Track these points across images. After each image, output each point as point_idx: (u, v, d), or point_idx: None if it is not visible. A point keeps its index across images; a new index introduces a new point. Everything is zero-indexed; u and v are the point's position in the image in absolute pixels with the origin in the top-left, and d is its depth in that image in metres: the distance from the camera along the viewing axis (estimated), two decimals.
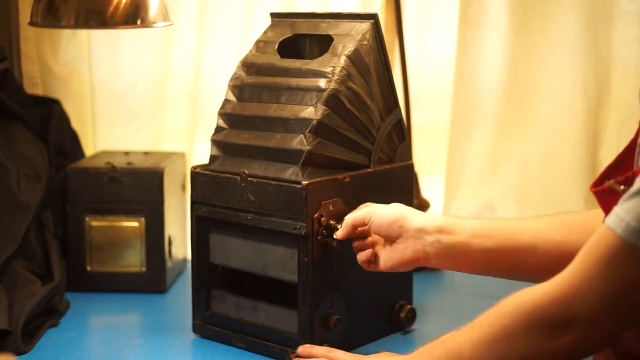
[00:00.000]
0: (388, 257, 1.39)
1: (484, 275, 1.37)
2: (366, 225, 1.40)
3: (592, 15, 1.94)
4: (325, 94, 1.46)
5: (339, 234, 1.42)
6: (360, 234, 1.42)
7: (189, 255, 1.95)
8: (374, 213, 1.39)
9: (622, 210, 0.99)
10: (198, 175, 1.55)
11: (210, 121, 1.64)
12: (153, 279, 1.82)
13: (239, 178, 1.49)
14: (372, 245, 1.41)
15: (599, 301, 1.00)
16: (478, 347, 1.11)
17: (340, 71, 1.47)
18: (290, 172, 1.45)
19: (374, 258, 1.41)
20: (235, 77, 1.58)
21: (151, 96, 2.10)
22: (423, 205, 2.00)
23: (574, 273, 1.03)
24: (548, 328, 1.04)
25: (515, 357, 1.08)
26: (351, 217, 1.42)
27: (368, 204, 1.44)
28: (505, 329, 1.08)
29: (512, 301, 1.09)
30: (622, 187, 1.05)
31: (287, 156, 1.46)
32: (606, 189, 1.12)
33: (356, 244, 1.42)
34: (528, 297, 1.07)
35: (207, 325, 1.57)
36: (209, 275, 1.57)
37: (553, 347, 1.04)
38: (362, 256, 1.40)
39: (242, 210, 1.49)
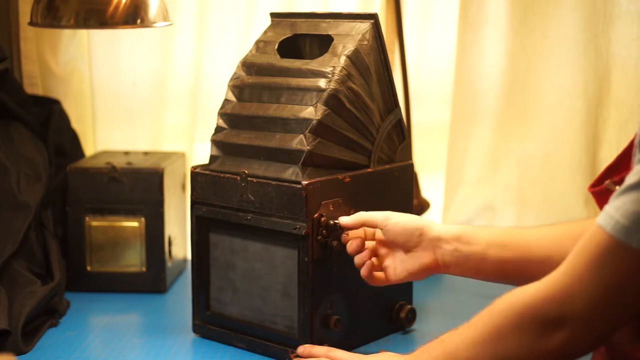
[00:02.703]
0: (401, 266, 1.39)
1: (500, 283, 1.37)
2: (379, 228, 1.40)
3: (592, 15, 1.93)
4: (325, 94, 1.46)
5: (344, 220, 1.42)
6: (360, 241, 1.42)
7: (189, 255, 1.95)
8: (390, 220, 1.39)
9: (612, 208, 0.99)
10: (198, 175, 1.55)
11: (210, 121, 1.64)
12: (153, 279, 1.82)
13: (239, 178, 1.49)
14: (371, 256, 1.41)
15: (590, 300, 1.00)
16: (473, 346, 1.11)
17: (340, 71, 1.47)
18: (290, 172, 1.46)
19: (383, 271, 1.41)
20: (235, 77, 1.58)
21: (151, 96, 2.10)
22: (423, 205, 2.00)
23: (565, 272, 1.03)
24: (540, 327, 1.04)
25: (508, 356, 1.08)
26: (366, 214, 1.42)
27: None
28: (498, 329, 1.08)
29: (505, 301, 1.09)
30: (617, 187, 1.05)
31: (287, 156, 1.46)
32: (603, 190, 1.12)
33: (357, 259, 1.41)
34: (520, 296, 1.07)
35: (207, 325, 1.57)
36: (208, 275, 1.57)
37: (545, 346, 1.04)
38: (365, 270, 1.40)
39: (242, 210, 1.49)
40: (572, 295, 1.01)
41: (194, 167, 1.57)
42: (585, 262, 1.00)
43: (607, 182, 1.13)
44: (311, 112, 1.46)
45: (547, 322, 1.03)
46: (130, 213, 1.81)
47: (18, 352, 1.48)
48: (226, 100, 1.57)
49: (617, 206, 0.98)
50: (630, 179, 0.99)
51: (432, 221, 1.40)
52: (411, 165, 1.61)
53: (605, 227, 0.98)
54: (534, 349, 1.05)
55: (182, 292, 1.82)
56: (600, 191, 1.14)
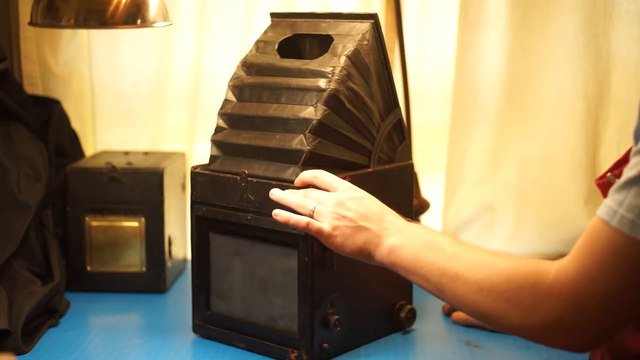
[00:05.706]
0: None
1: None
2: None
3: (592, 15, 1.93)
4: (325, 94, 1.46)
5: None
6: None
7: (189, 255, 1.95)
8: None
9: (613, 202, 0.99)
10: (198, 175, 1.55)
11: (210, 121, 1.64)
12: (153, 279, 1.82)
13: (239, 178, 1.49)
14: None
15: (604, 297, 1.00)
16: (470, 290, 1.12)
17: (340, 71, 1.47)
18: (290, 172, 1.45)
19: None
20: (235, 77, 1.58)
21: (151, 96, 2.10)
22: (423, 205, 2.00)
23: (577, 270, 1.02)
24: (553, 326, 1.04)
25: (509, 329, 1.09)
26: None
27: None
28: (508, 301, 1.08)
29: (517, 279, 1.08)
30: (617, 179, 1.06)
31: (287, 156, 1.46)
32: (605, 182, 1.13)
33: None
34: (537, 283, 1.06)
35: (207, 325, 1.57)
36: (208, 275, 1.57)
37: (552, 343, 1.05)
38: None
39: (242, 210, 1.49)
40: (587, 296, 1.01)
41: (194, 167, 1.57)
42: (597, 261, 1.00)
43: (608, 174, 1.14)
44: (311, 112, 1.46)
45: (561, 323, 1.03)
46: (130, 213, 1.81)
47: (18, 352, 1.48)
48: (226, 100, 1.57)
49: (619, 200, 0.99)
50: (629, 172, 0.99)
51: None
52: (411, 165, 1.61)
53: (609, 221, 0.99)
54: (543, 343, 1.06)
55: (182, 292, 1.82)
56: (603, 184, 1.15)
